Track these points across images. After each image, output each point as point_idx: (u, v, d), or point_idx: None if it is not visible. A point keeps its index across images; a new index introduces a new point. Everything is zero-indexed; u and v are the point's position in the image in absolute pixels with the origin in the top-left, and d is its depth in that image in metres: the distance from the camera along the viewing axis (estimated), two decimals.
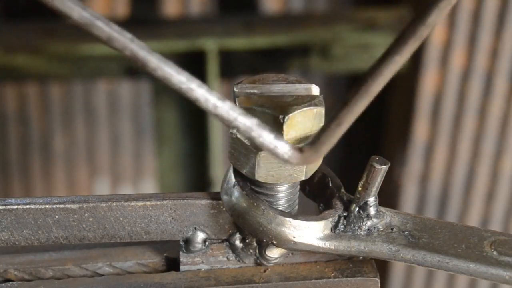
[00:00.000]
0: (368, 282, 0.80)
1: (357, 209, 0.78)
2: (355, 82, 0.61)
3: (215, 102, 0.62)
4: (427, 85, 2.47)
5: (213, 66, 2.18)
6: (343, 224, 0.78)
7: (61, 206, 0.79)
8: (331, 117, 0.64)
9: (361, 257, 0.81)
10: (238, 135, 0.75)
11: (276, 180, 0.76)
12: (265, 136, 0.64)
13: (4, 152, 2.91)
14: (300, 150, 0.66)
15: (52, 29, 2.26)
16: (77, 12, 0.55)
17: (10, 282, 0.81)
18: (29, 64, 2.22)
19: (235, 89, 0.76)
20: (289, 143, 0.67)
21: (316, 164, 0.77)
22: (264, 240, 0.78)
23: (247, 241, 0.81)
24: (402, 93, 2.59)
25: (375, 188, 0.77)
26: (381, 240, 0.78)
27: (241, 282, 0.81)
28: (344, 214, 0.78)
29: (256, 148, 0.74)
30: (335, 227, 0.78)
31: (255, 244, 0.81)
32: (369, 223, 0.78)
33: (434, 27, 0.57)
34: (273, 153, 0.65)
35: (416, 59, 2.41)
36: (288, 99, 0.74)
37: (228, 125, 0.63)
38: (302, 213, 0.79)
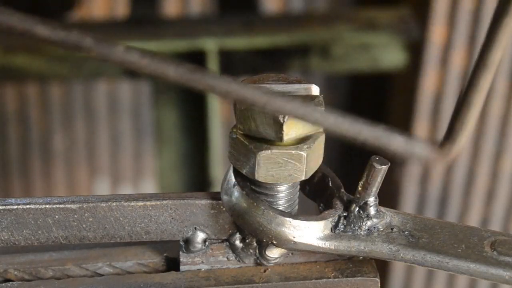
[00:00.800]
0: (368, 282, 0.80)
1: (357, 209, 0.78)
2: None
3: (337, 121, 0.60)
4: (427, 85, 2.47)
5: (213, 66, 2.18)
6: (343, 224, 0.78)
7: (61, 206, 0.79)
8: (458, 101, 0.61)
9: (361, 257, 0.81)
10: (238, 135, 0.75)
11: (276, 180, 0.76)
12: (397, 142, 0.62)
13: (4, 152, 2.91)
14: (438, 145, 0.63)
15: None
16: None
17: (10, 282, 0.81)
18: (29, 64, 2.22)
19: None
20: (422, 141, 0.64)
21: (316, 163, 0.77)
22: (264, 240, 0.78)
23: (247, 241, 0.81)
24: (402, 93, 2.59)
25: (375, 188, 0.77)
26: (381, 240, 0.78)
27: (241, 282, 0.81)
28: (344, 214, 0.78)
29: (256, 148, 0.74)
30: (335, 227, 0.78)
31: (255, 244, 0.81)
32: (369, 223, 0.78)
33: None
34: (412, 157, 0.63)
35: (416, 59, 2.41)
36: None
37: (355, 139, 0.61)
38: (302, 213, 0.79)
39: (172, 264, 0.84)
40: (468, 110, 0.60)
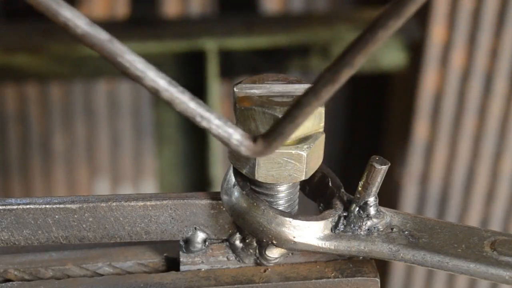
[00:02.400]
0: (368, 282, 0.80)
1: (357, 209, 0.78)
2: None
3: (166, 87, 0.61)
4: (427, 85, 2.47)
5: (213, 66, 2.18)
6: (343, 224, 0.78)
7: (61, 206, 0.79)
8: (285, 114, 0.63)
9: (361, 257, 0.81)
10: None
11: (276, 180, 0.76)
12: (216, 122, 0.63)
13: (4, 152, 2.91)
14: (254, 140, 0.65)
15: (52, 29, 2.26)
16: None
17: (10, 282, 0.81)
18: (29, 64, 2.22)
19: (235, 89, 0.76)
20: (242, 131, 0.65)
21: (316, 163, 0.77)
22: (264, 240, 0.78)
23: (247, 241, 0.81)
24: (402, 93, 2.59)
25: (375, 188, 0.77)
26: (381, 240, 0.78)
27: (241, 282, 0.81)
28: (344, 214, 0.78)
29: None
30: (335, 227, 0.78)
31: (255, 244, 0.81)
32: (369, 223, 0.78)
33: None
34: (224, 142, 0.64)
35: (416, 59, 2.41)
36: (288, 99, 0.74)
37: (177, 110, 0.62)
38: (302, 213, 0.79)
39: (172, 264, 0.84)
40: (289, 125, 0.62)
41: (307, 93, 0.59)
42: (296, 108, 0.60)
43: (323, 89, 0.58)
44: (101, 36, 0.55)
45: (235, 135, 0.64)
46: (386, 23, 0.53)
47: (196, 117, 0.61)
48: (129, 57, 0.57)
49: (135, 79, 0.58)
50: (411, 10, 0.51)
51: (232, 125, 0.64)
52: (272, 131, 0.63)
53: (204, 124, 0.62)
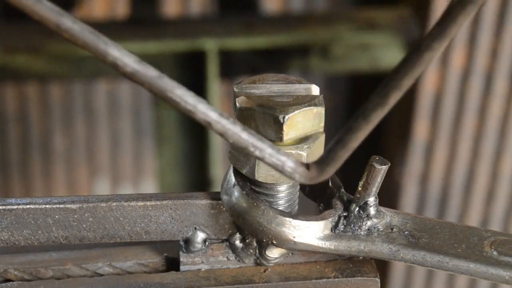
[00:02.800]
0: (368, 282, 0.80)
1: (357, 209, 0.78)
2: (358, 108, 0.61)
3: (215, 117, 0.61)
4: (427, 85, 2.47)
5: (213, 66, 2.18)
6: (343, 224, 0.78)
7: (61, 206, 0.79)
8: (336, 139, 0.63)
9: (361, 257, 0.81)
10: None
11: (276, 180, 0.76)
12: (269, 151, 0.63)
13: (4, 152, 2.91)
14: (307, 167, 0.65)
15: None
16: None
17: (10, 282, 0.81)
18: (29, 64, 2.22)
19: (235, 89, 0.76)
20: (295, 159, 0.66)
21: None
22: (264, 240, 0.78)
23: (247, 241, 0.81)
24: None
25: (375, 188, 0.77)
26: (381, 240, 0.78)
27: (241, 282, 0.81)
28: (344, 214, 0.78)
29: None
30: (335, 227, 0.78)
31: (255, 244, 0.81)
32: (369, 223, 0.78)
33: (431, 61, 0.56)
34: (279, 169, 0.64)
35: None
36: (288, 99, 0.74)
37: (230, 142, 0.62)
38: (302, 213, 0.79)
39: (172, 264, 0.84)
40: (341, 150, 0.63)
41: (357, 117, 0.59)
42: (347, 133, 0.61)
43: (372, 113, 0.58)
44: (150, 73, 0.56)
45: (289, 163, 0.64)
46: (431, 44, 0.53)
47: (249, 147, 0.62)
48: (179, 91, 0.57)
49: (186, 112, 0.58)
50: (454, 31, 0.52)
51: (285, 152, 0.65)
52: (325, 157, 0.64)
53: (257, 153, 0.63)
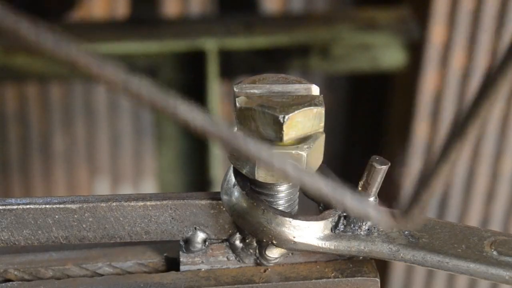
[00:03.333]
0: (368, 282, 0.80)
1: None
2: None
3: (302, 175, 0.61)
4: (427, 85, 2.47)
5: (213, 66, 2.18)
6: (343, 224, 0.78)
7: (61, 206, 0.79)
8: (418, 183, 0.63)
9: (361, 257, 0.81)
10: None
11: (276, 180, 0.76)
12: (352, 202, 0.63)
13: (4, 152, 2.91)
14: (393, 215, 0.65)
15: (52, 29, 2.26)
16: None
17: (10, 282, 0.81)
18: (29, 64, 2.22)
19: (235, 89, 0.76)
20: (380, 209, 0.66)
21: (316, 163, 0.77)
22: (264, 240, 0.78)
23: (247, 241, 0.81)
24: (402, 93, 2.59)
25: (375, 188, 0.77)
26: (381, 240, 0.78)
27: (241, 282, 0.81)
28: (344, 214, 0.78)
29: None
30: (335, 227, 0.78)
31: (255, 244, 0.81)
32: (369, 223, 0.78)
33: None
34: (365, 218, 0.64)
35: (416, 59, 2.41)
36: (288, 99, 0.74)
37: (313, 193, 0.62)
38: (302, 213, 0.79)
39: (172, 264, 0.84)
40: (426, 194, 0.63)
41: (439, 159, 0.59)
42: (430, 175, 0.61)
43: (451, 151, 0.58)
44: (221, 128, 0.55)
45: (372, 213, 0.64)
46: (503, 70, 0.53)
47: (330, 199, 0.62)
48: (255, 147, 0.57)
49: (266, 164, 0.58)
50: None
51: (366, 201, 0.64)
52: (410, 204, 0.64)
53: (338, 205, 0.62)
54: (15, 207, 0.79)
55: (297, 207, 0.81)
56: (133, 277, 0.82)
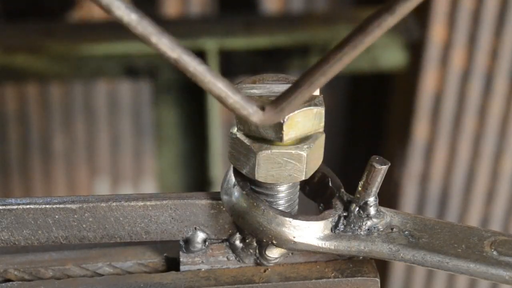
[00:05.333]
0: (368, 282, 0.80)
1: (357, 209, 0.78)
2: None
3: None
4: (427, 85, 2.47)
5: (213, 66, 2.18)
6: (343, 224, 0.78)
7: (61, 206, 0.79)
8: (301, 78, 0.64)
9: (361, 257, 0.81)
10: (238, 135, 0.75)
11: (276, 180, 0.76)
12: (234, 98, 0.64)
13: (4, 152, 2.91)
14: (262, 108, 0.67)
15: (52, 29, 2.26)
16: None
17: (10, 282, 0.81)
18: (29, 64, 2.22)
19: None
20: (255, 101, 0.67)
21: (316, 163, 0.77)
22: (264, 240, 0.78)
23: (247, 241, 0.81)
24: (402, 93, 2.59)
25: (375, 188, 0.77)
26: (381, 240, 0.78)
27: (241, 282, 0.81)
28: (344, 214, 0.79)
29: (256, 148, 0.74)
30: (335, 227, 0.78)
31: (255, 244, 0.82)
32: (369, 223, 0.78)
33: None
34: (236, 110, 0.66)
35: (416, 59, 2.41)
36: None
37: (189, 75, 0.62)
38: (302, 213, 0.79)
39: (172, 264, 0.84)
40: (299, 91, 0.65)
41: (318, 62, 0.60)
42: (303, 77, 0.62)
43: (336, 54, 0.60)
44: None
45: (247, 105, 0.66)
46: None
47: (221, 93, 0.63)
48: None
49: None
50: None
51: (239, 92, 0.66)
52: (282, 97, 0.65)
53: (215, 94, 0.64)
54: (15, 207, 0.79)
55: (297, 207, 0.81)
56: (133, 277, 0.82)
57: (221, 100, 0.64)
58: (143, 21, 0.57)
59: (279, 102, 0.66)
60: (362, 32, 0.57)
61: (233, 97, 0.64)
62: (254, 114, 0.65)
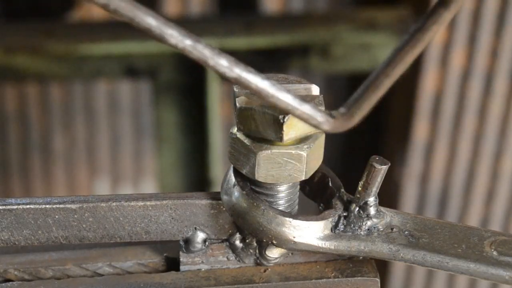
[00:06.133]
0: (368, 282, 0.80)
1: (357, 209, 0.78)
2: (394, 50, 0.61)
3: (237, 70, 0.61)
4: (427, 85, 2.47)
5: None
6: (343, 224, 0.78)
7: (61, 206, 0.79)
8: (366, 83, 0.64)
9: (361, 257, 0.81)
10: (238, 135, 0.75)
11: (276, 180, 0.76)
12: (304, 108, 0.65)
13: (4, 152, 2.91)
14: (332, 116, 0.67)
15: (52, 29, 2.26)
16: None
17: (10, 282, 0.81)
18: (29, 64, 2.22)
19: (235, 89, 0.76)
20: (321, 110, 0.67)
21: (316, 163, 0.77)
22: (264, 240, 0.78)
23: (247, 241, 0.81)
24: (402, 93, 2.59)
25: (375, 188, 0.77)
26: (381, 240, 0.78)
27: (241, 282, 0.81)
28: (344, 214, 0.79)
29: (256, 148, 0.74)
30: (335, 227, 0.78)
31: (255, 244, 0.82)
32: (369, 223, 0.78)
33: None
34: (306, 121, 0.66)
35: (416, 59, 2.41)
36: None
37: (255, 93, 0.63)
38: (302, 213, 0.79)
39: (172, 264, 0.84)
40: (372, 93, 0.65)
41: (386, 64, 0.61)
42: (375, 80, 0.62)
43: (401, 58, 0.60)
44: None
45: (315, 115, 0.66)
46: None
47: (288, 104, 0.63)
48: None
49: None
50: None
51: (307, 102, 0.66)
52: (353, 103, 0.66)
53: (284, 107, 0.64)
54: (15, 207, 0.79)
55: (297, 207, 0.81)
56: (133, 277, 0.82)
57: (289, 112, 0.65)
58: (198, 45, 0.58)
59: (348, 108, 0.66)
60: (420, 30, 0.57)
61: (300, 109, 0.64)
62: (324, 122, 0.66)
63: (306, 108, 0.64)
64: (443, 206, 2.66)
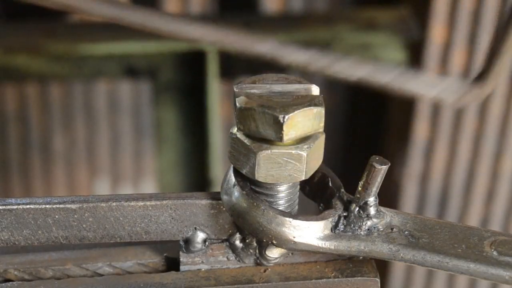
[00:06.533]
0: (368, 282, 0.80)
1: (357, 209, 0.78)
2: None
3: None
4: None
5: (213, 66, 2.18)
6: (343, 224, 0.78)
7: (61, 206, 0.79)
8: (490, 50, 0.62)
9: (361, 257, 0.81)
10: (238, 135, 0.75)
11: (276, 180, 0.76)
12: (420, 83, 0.63)
13: (4, 152, 2.91)
14: (471, 82, 0.65)
15: (52, 29, 2.26)
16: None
17: (10, 282, 0.81)
18: (29, 64, 2.22)
19: (235, 89, 0.76)
20: (452, 79, 0.66)
21: (316, 163, 0.77)
22: (264, 240, 0.78)
23: (247, 241, 0.81)
24: (402, 92, 2.59)
25: (375, 188, 0.77)
26: (381, 240, 0.78)
27: (241, 282, 0.81)
28: (344, 214, 0.79)
29: (256, 148, 0.74)
30: (335, 227, 0.78)
31: (255, 244, 0.82)
32: (369, 223, 0.78)
33: None
34: (439, 97, 0.64)
35: (416, 59, 2.41)
36: (288, 99, 0.74)
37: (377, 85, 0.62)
38: (302, 213, 0.79)
39: (172, 264, 0.84)
40: (504, 48, 0.61)
41: (507, 23, 0.58)
42: (500, 41, 0.60)
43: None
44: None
45: (448, 87, 0.64)
46: None
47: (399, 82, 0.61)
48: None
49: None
50: None
51: (442, 78, 0.65)
52: (484, 71, 0.63)
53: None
54: (15, 207, 0.79)
55: (297, 207, 0.81)
56: (133, 277, 0.82)
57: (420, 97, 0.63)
58: (314, 57, 0.57)
59: (483, 73, 0.64)
60: None
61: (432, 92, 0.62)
62: (459, 90, 0.63)
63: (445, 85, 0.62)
64: (443, 206, 2.66)
